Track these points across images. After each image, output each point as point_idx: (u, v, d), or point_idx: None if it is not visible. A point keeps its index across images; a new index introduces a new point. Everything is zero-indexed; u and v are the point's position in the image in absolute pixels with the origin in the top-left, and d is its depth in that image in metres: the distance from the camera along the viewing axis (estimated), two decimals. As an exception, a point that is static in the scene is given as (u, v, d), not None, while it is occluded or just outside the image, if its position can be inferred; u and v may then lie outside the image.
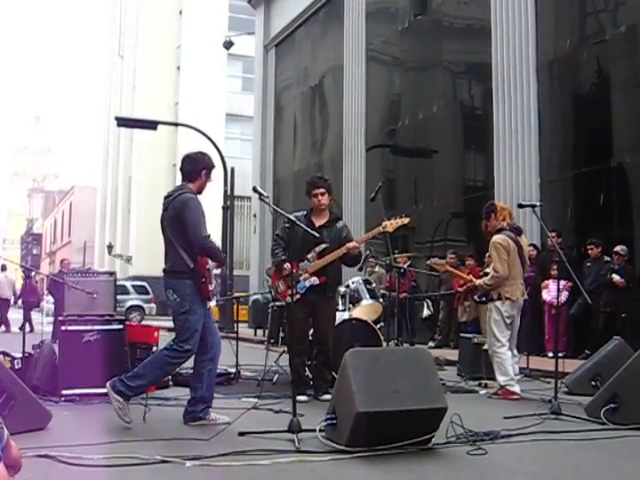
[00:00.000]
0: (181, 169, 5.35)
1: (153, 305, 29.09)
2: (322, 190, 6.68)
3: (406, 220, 6.76)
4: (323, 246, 6.50)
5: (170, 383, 7.16)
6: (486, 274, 7.21)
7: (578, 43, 12.10)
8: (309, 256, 6.55)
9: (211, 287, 5.18)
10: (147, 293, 29.12)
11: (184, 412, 5.16)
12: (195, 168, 5.29)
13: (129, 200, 45.33)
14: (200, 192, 5.32)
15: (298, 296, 6.38)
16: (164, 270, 5.23)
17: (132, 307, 27.92)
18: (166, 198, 5.28)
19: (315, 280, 6.52)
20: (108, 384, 4.94)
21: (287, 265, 6.45)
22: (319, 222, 6.66)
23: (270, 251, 6.91)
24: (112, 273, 7.23)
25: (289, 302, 6.48)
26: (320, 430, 4.42)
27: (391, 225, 6.66)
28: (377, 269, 12.19)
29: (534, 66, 12.52)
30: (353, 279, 8.61)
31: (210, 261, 5.22)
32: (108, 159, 54.34)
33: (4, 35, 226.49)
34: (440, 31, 15.78)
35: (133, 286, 29.49)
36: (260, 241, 23.47)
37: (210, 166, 5.34)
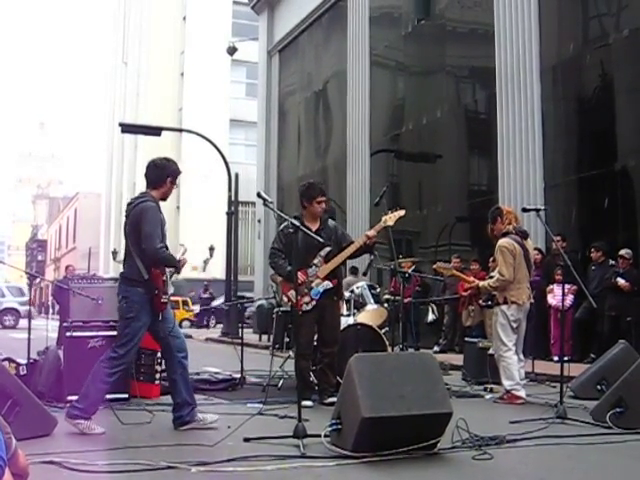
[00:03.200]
0: (146, 175, 5.32)
1: (28, 307, 28.27)
2: (325, 198, 6.76)
3: (402, 212, 6.84)
4: (328, 249, 6.53)
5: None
6: (492, 278, 7.19)
7: (581, 47, 12.09)
8: (315, 261, 6.55)
9: (165, 297, 5.13)
10: (23, 295, 27.58)
11: (172, 419, 5.18)
12: (161, 175, 5.28)
13: (133, 206, 45.28)
14: (164, 199, 5.34)
15: (314, 302, 6.41)
16: (120, 275, 5.29)
17: (7, 309, 27.09)
18: (128, 205, 5.27)
19: (328, 284, 6.54)
20: (64, 414, 4.96)
21: (300, 274, 6.37)
22: (314, 226, 6.65)
23: (270, 263, 6.82)
24: (117, 279, 7.20)
25: (306, 310, 6.44)
26: (325, 435, 4.41)
27: (390, 219, 6.72)
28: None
29: (538, 70, 12.51)
30: (358, 284, 8.60)
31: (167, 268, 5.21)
32: (112, 165, 54.50)
33: (8, 42, 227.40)
34: (443, 36, 15.79)
35: (8, 288, 28.78)
36: (265, 247, 23.42)
37: (176, 173, 5.36)
